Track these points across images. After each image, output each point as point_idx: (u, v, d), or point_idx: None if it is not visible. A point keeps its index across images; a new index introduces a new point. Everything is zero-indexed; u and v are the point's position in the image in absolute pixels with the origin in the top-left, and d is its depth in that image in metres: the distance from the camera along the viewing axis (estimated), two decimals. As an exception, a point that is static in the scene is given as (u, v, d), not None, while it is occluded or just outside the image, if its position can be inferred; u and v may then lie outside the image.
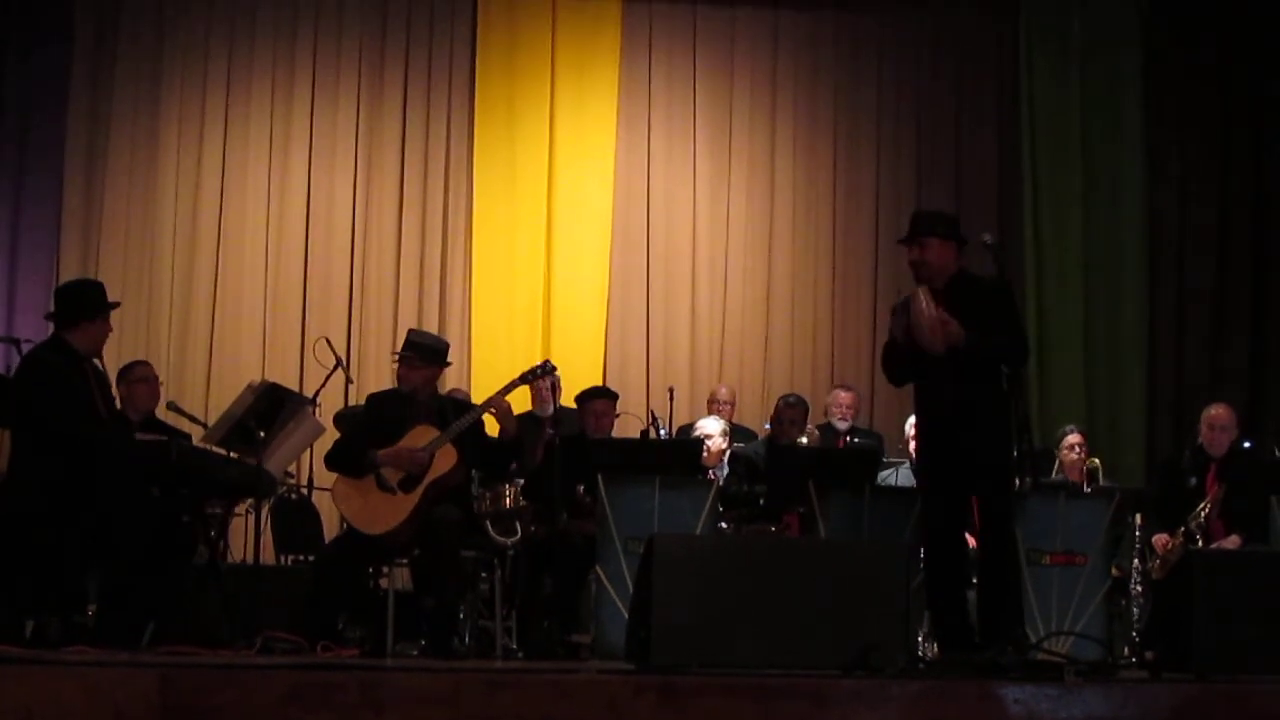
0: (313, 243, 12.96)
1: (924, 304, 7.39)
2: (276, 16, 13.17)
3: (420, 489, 8.25)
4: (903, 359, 7.63)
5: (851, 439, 11.05)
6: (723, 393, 11.76)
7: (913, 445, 10.15)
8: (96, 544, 7.87)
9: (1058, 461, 10.42)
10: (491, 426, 8.78)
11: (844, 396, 11.26)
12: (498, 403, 8.59)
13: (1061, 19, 13.47)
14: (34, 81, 12.77)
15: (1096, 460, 10.43)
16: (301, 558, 10.36)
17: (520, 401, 10.81)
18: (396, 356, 8.77)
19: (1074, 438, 10.49)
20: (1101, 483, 10.23)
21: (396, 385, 8.76)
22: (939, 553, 7.57)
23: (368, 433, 8.52)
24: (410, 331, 9.15)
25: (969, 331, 7.30)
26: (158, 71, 12.96)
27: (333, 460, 8.57)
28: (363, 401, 10.10)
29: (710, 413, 11.25)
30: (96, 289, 8.43)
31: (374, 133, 13.14)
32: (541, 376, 9.05)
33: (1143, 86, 13.39)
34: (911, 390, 7.84)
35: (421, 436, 8.37)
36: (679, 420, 11.38)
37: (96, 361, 8.34)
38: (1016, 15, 13.52)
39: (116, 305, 8.50)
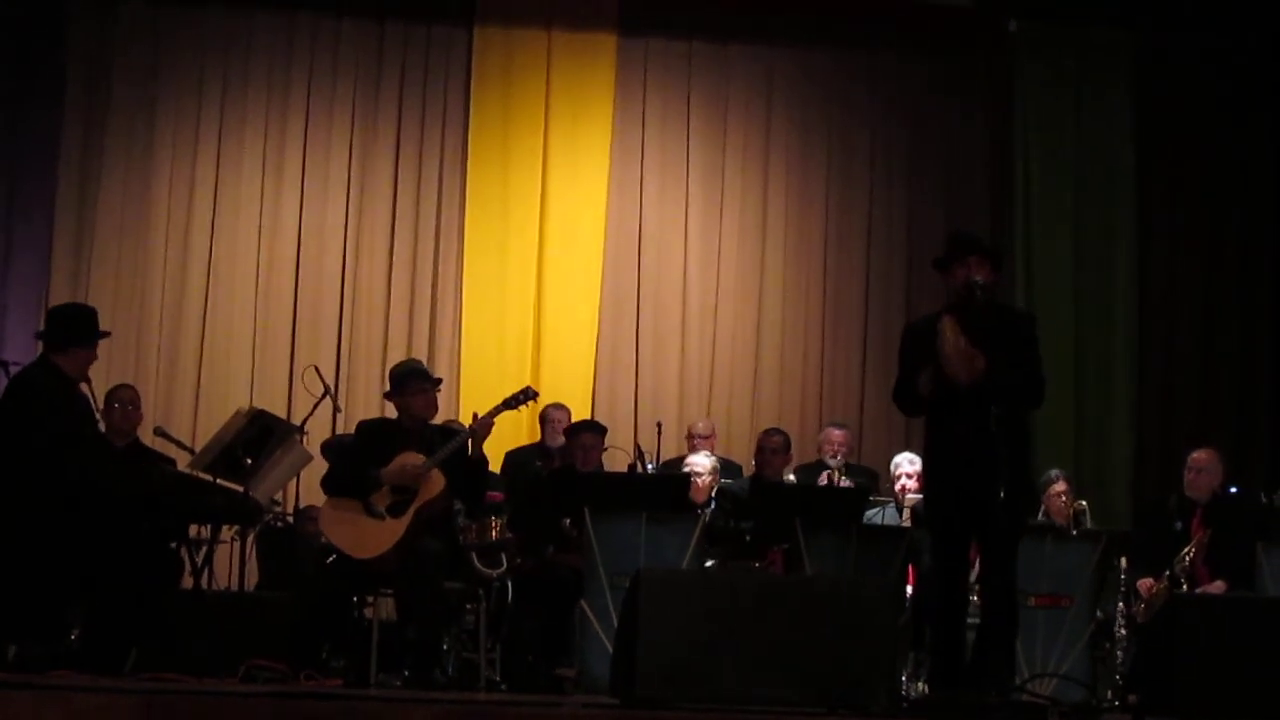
0: (303, 272, 12.94)
1: (950, 335, 7.10)
2: (271, 50, 13.15)
3: (409, 514, 8.27)
4: (923, 394, 7.25)
5: (844, 477, 10.96)
6: (700, 426, 11.64)
7: (899, 485, 10.17)
8: (81, 569, 7.85)
9: (1044, 506, 10.41)
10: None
11: (837, 435, 11.20)
12: (481, 424, 8.61)
13: (1056, 58, 13.49)
14: (28, 109, 12.75)
15: (1084, 502, 10.43)
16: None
17: (518, 438, 10.85)
18: (427, 387, 8.72)
19: (1060, 485, 10.47)
20: (1089, 525, 10.22)
21: (418, 414, 8.69)
22: (946, 588, 7.32)
23: (362, 456, 8.53)
24: (412, 362, 9.20)
25: (993, 367, 7.02)
26: (152, 102, 12.93)
27: (332, 484, 8.56)
28: (350, 430, 10.13)
29: (690, 448, 11.24)
30: (90, 314, 8.48)
31: (367, 163, 13.14)
32: (524, 402, 9.05)
33: (1135, 120, 13.43)
34: (901, 428, 7.74)
35: (411, 460, 8.39)
36: (666, 455, 11.36)
37: (83, 386, 8.35)
38: (1009, 57, 13.54)
39: (107, 334, 8.55)
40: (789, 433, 10.85)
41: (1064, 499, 10.36)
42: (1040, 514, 10.26)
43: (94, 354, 8.34)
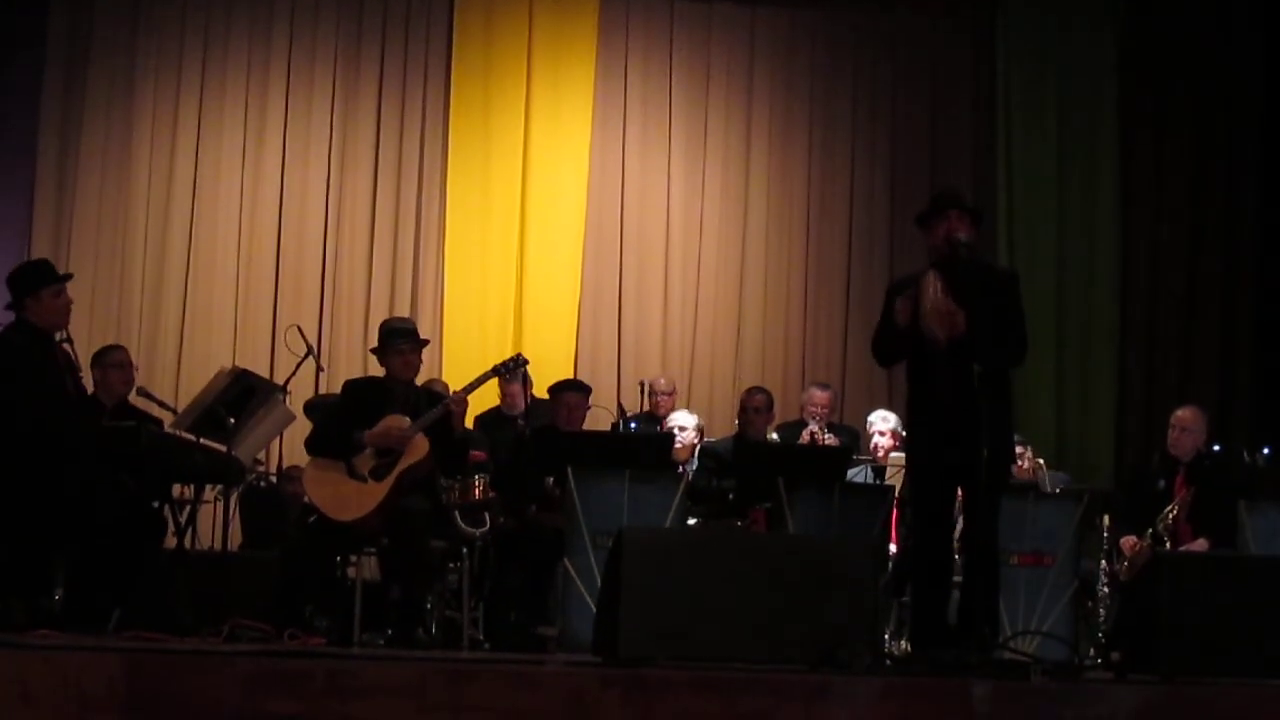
0: (285, 232, 12.90)
1: (932, 291, 7.09)
2: (252, 11, 13.09)
3: (391, 478, 8.25)
4: (898, 343, 7.27)
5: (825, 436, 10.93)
6: (661, 383, 11.46)
7: (872, 443, 10.18)
8: (64, 528, 7.84)
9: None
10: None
11: (820, 395, 11.12)
12: (459, 399, 8.59)
13: (1039, 19, 13.45)
14: (7, 71, 12.66)
15: (1041, 460, 10.44)
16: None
17: (487, 398, 10.81)
18: (404, 348, 8.60)
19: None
20: (1049, 478, 10.24)
21: (397, 375, 8.62)
22: (929, 546, 7.35)
23: (347, 417, 8.50)
24: (398, 320, 9.17)
25: (976, 324, 7.01)
26: (132, 59, 12.86)
27: (315, 444, 8.55)
28: (333, 390, 10.10)
29: (651, 405, 11.20)
30: (39, 264, 8.53)
31: (349, 123, 13.09)
32: (514, 369, 9.04)
33: (1119, 85, 13.40)
34: (884, 387, 7.71)
35: (395, 424, 8.37)
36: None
37: (66, 347, 8.32)
38: (993, 17, 13.51)
39: (67, 277, 8.48)
40: (771, 392, 10.86)
41: (1023, 462, 10.39)
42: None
43: (62, 300, 8.26)
